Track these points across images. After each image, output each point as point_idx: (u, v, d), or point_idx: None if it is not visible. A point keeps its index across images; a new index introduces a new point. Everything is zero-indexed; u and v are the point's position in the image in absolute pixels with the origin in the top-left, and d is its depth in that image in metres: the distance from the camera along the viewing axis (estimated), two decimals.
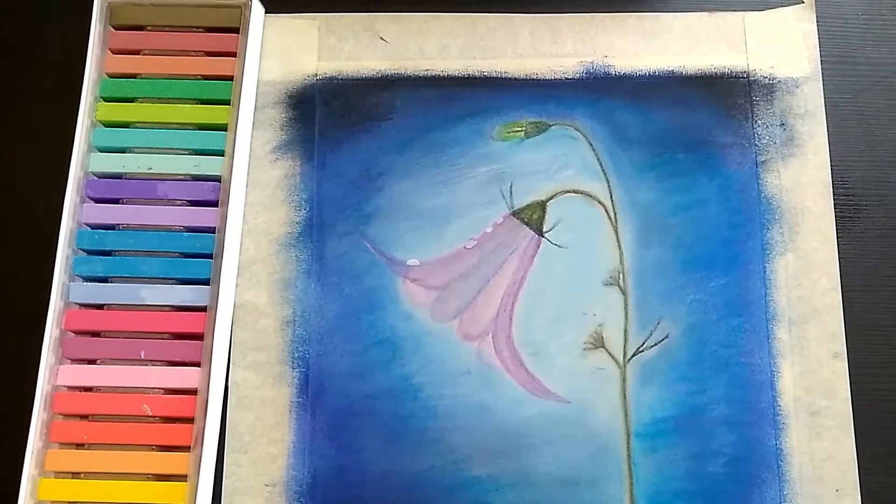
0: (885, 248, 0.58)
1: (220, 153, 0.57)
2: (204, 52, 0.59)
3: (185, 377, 0.54)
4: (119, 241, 0.56)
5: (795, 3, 0.61)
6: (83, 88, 0.56)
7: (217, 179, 0.57)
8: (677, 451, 0.54)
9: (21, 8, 0.62)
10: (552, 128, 0.59)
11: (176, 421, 0.54)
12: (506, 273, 0.57)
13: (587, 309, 0.56)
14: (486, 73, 0.60)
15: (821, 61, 0.60)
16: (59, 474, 0.53)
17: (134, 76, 0.59)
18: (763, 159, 0.59)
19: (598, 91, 0.60)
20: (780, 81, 0.60)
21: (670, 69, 0.60)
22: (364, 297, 0.57)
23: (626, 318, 0.56)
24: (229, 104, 0.58)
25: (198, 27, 0.59)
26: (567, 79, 0.60)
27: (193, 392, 0.54)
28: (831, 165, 0.58)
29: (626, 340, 0.56)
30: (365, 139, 0.59)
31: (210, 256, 0.56)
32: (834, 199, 0.58)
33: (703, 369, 0.56)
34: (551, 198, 0.58)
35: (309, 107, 0.60)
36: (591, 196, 0.58)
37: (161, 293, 0.56)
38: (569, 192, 0.58)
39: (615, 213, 0.58)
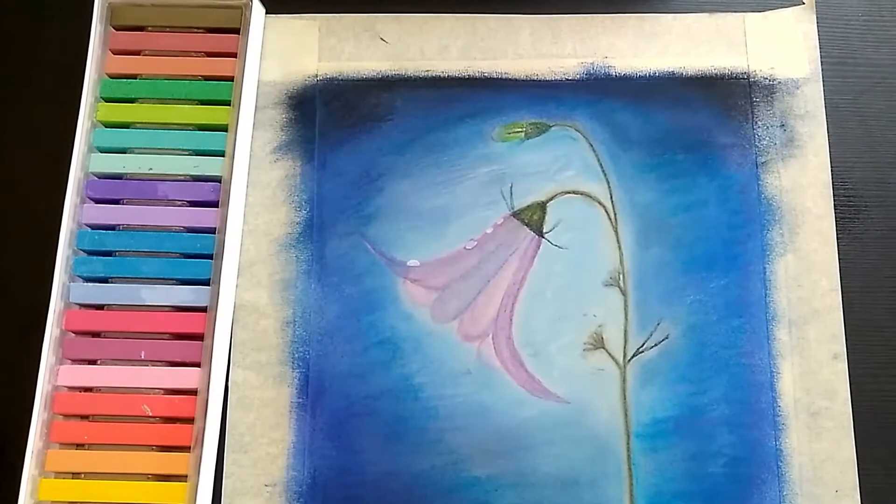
0: (886, 249, 0.58)
1: (221, 154, 0.57)
2: (204, 52, 0.59)
3: (185, 377, 0.54)
4: (119, 241, 0.56)
5: (796, 4, 0.61)
6: (83, 89, 0.56)
7: (217, 180, 0.57)
8: (677, 452, 0.54)
9: (21, 8, 0.62)
10: (552, 129, 0.59)
11: (176, 421, 0.54)
12: (506, 274, 0.57)
13: (587, 310, 0.57)
14: (486, 74, 0.60)
15: (821, 62, 0.60)
16: (60, 474, 0.53)
17: (134, 77, 0.59)
18: (763, 160, 0.59)
19: (598, 92, 0.60)
20: (780, 82, 0.60)
21: (670, 70, 0.60)
22: (364, 297, 0.57)
23: (626, 318, 0.56)
24: (230, 105, 0.58)
25: (198, 28, 0.59)
26: (567, 80, 0.60)
27: (193, 392, 0.54)
28: (831, 166, 0.59)
29: (626, 341, 0.56)
30: (365, 140, 0.59)
31: (210, 257, 0.56)
32: (834, 200, 0.58)
33: (703, 370, 0.56)
34: (551, 198, 0.58)
35: (309, 107, 0.60)
36: (591, 197, 0.58)
37: (161, 293, 0.56)
38: (569, 192, 0.58)
39: (615, 214, 0.58)
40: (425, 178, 0.59)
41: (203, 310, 0.55)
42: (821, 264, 0.57)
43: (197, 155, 0.58)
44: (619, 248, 0.57)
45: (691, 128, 0.59)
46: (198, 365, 0.55)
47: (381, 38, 0.61)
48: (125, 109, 0.58)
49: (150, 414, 0.54)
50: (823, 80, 0.60)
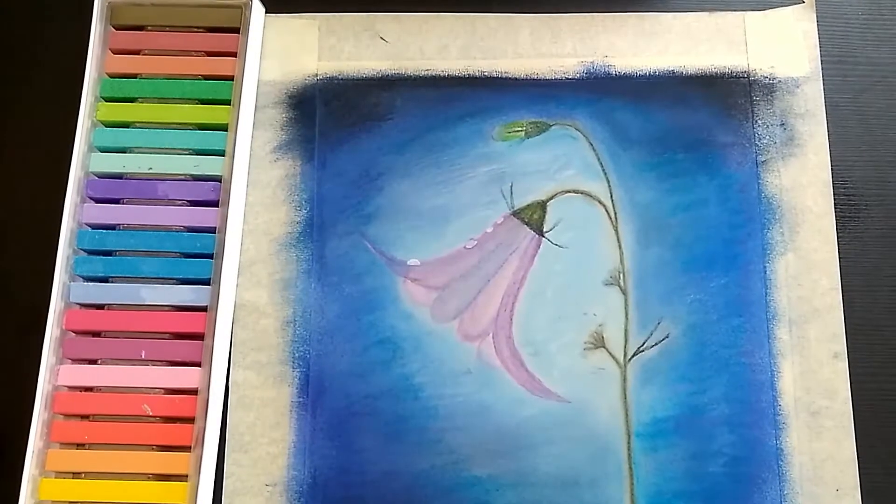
0: (886, 248, 0.58)
1: (221, 153, 0.57)
2: (204, 52, 0.59)
3: (185, 377, 0.54)
4: (119, 241, 0.56)
5: (796, 3, 0.61)
6: (83, 88, 0.56)
7: (217, 179, 0.57)
8: (678, 451, 0.54)
9: (21, 8, 0.62)
10: (552, 128, 0.59)
11: (176, 421, 0.54)
12: (506, 273, 0.57)
13: (587, 309, 0.56)
14: (486, 73, 0.60)
15: (821, 61, 0.60)
16: (60, 474, 0.53)
17: (134, 76, 0.59)
18: (763, 159, 0.59)
19: (598, 91, 0.60)
20: (780, 81, 0.60)
21: (670, 69, 0.60)
22: (364, 297, 0.57)
23: (627, 317, 0.56)
24: (230, 104, 0.58)
25: (198, 27, 0.59)
26: (567, 79, 0.60)
27: (194, 392, 0.54)
28: (832, 165, 0.58)
29: (626, 340, 0.56)
30: (365, 139, 0.59)
31: (210, 256, 0.56)
32: (834, 199, 0.58)
33: (703, 369, 0.56)
34: (551, 198, 0.58)
35: (309, 107, 0.60)
36: (591, 196, 0.58)
37: (161, 293, 0.56)
38: (569, 192, 0.58)
39: (615, 213, 0.58)
40: (425, 177, 0.59)
41: (203, 309, 0.55)
42: (821, 263, 0.57)
43: (197, 154, 0.58)
44: (620, 247, 0.57)
45: (691, 127, 0.59)
46: (198, 365, 0.55)
47: (381, 38, 0.61)
48: (125, 109, 0.58)
49: (151, 414, 0.54)
50: (823, 79, 0.60)
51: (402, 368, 0.56)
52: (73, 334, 0.55)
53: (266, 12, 0.61)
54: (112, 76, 0.59)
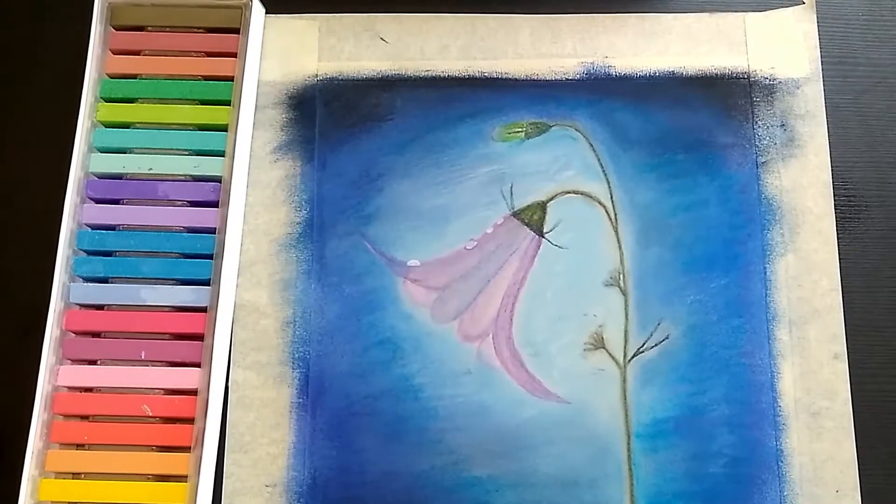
0: (886, 249, 0.58)
1: (221, 154, 0.57)
2: (204, 52, 0.59)
3: (185, 378, 0.54)
4: (119, 241, 0.56)
5: (796, 4, 0.61)
6: (83, 89, 0.56)
7: (217, 180, 0.57)
8: (678, 452, 0.54)
9: (21, 8, 0.62)
10: (552, 128, 0.59)
11: (176, 421, 0.54)
12: (506, 274, 0.57)
13: (587, 310, 0.56)
14: (486, 74, 0.60)
15: (821, 62, 0.60)
16: (60, 475, 0.53)
17: (134, 77, 0.59)
18: (763, 160, 0.59)
19: (598, 92, 0.60)
20: (780, 82, 0.60)
21: (671, 70, 0.60)
22: (364, 297, 0.57)
23: (627, 318, 0.56)
24: (230, 105, 0.58)
25: (198, 28, 0.59)
26: (567, 79, 0.60)
27: (194, 392, 0.54)
28: (832, 166, 0.58)
29: (626, 341, 0.56)
30: (365, 140, 0.59)
31: (210, 257, 0.56)
32: (834, 200, 0.58)
33: (703, 370, 0.56)
34: (552, 198, 0.58)
35: (309, 107, 0.60)
36: (591, 197, 0.58)
37: (161, 294, 0.55)
38: (569, 192, 0.58)
39: (615, 214, 0.58)
40: (425, 177, 0.59)
41: (203, 310, 0.55)
42: (821, 264, 0.57)
43: (197, 155, 0.58)
44: (620, 247, 0.57)
45: (691, 127, 0.59)
46: (198, 365, 0.55)
47: (381, 38, 0.61)
48: (125, 109, 0.58)
49: (151, 414, 0.54)
50: (824, 80, 0.60)
51: (402, 369, 0.56)
52: (73, 335, 0.55)
53: (266, 13, 0.61)
54: (112, 76, 0.59)
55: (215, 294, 0.55)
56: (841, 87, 0.60)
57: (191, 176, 0.57)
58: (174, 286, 0.56)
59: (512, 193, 0.58)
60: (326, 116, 0.60)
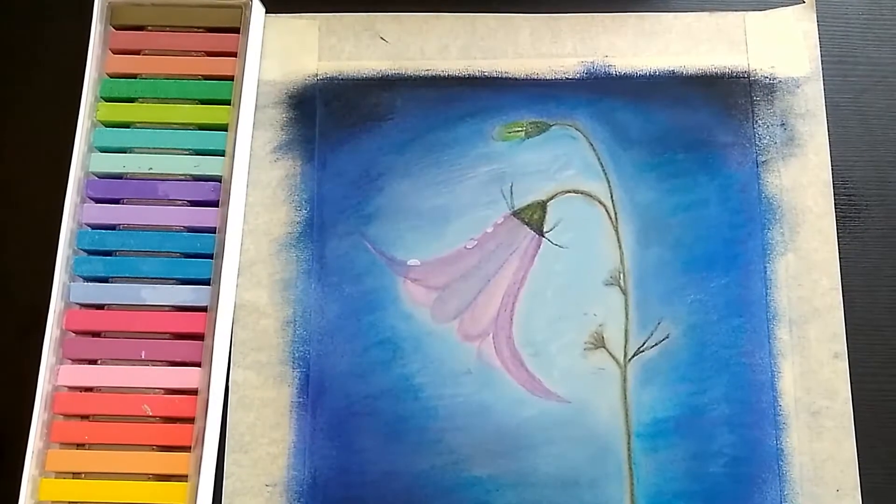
0: (886, 248, 0.58)
1: (221, 153, 0.57)
2: (204, 52, 0.59)
3: (185, 377, 0.54)
4: (119, 241, 0.56)
5: (796, 3, 0.61)
6: (83, 88, 0.56)
7: (217, 179, 0.57)
8: (678, 452, 0.54)
9: (21, 8, 0.62)
10: (553, 128, 0.59)
11: (176, 421, 0.54)
12: (506, 273, 0.57)
13: (588, 309, 0.56)
14: (486, 73, 0.60)
15: (821, 61, 0.60)
16: (60, 474, 0.53)
17: (134, 76, 0.59)
18: (764, 159, 0.59)
19: (598, 91, 0.60)
20: (780, 81, 0.60)
21: (671, 69, 0.60)
22: (364, 297, 0.57)
23: (627, 318, 0.56)
24: (230, 104, 0.58)
25: (198, 27, 0.59)
26: (567, 79, 0.60)
27: (194, 392, 0.54)
28: (832, 165, 0.58)
29: (626, 340, 0.56)
30: (365, 139, 0.59)
31: (210, 256, 0.56)
32: (835, 199, 0.58)
33: (703, 369, 0.56)
34: (552, 198, 0.58)
35: (309, 107, 0.60)
36: (591, 196, 0.58)
37: (161, 293, 0.55)
38: (569, 192, 0.58)
39: (616, 213, 0.58)
40: (425, 177, 0.59)
41: (203, 310, 0.55)
42: (821, 263, 0.57)
43: (197, 154, 0.58)
44: (620, 247, 0.57)
45: (692, 127, 0.59)
46: (198, 365, 0.55)
47: (381, 38, 0.61)
48: (125, 109, 0.58)
49: (151, 414, 0.54)
50: (824, 79, 0.60)
51: (402, 369, 0.56)
52: (73, 334, 0.55)
53: (266, 12, 0.61)
54: (112, 76, 0.59)
55: (215, 294, 0.55)
56: (841, 87, 0.60)
57: (191, 175, 0.57)
58: (174, 286, 0.56)
59: (512, 193, 0.58)
60: (326, 116, 0.60)
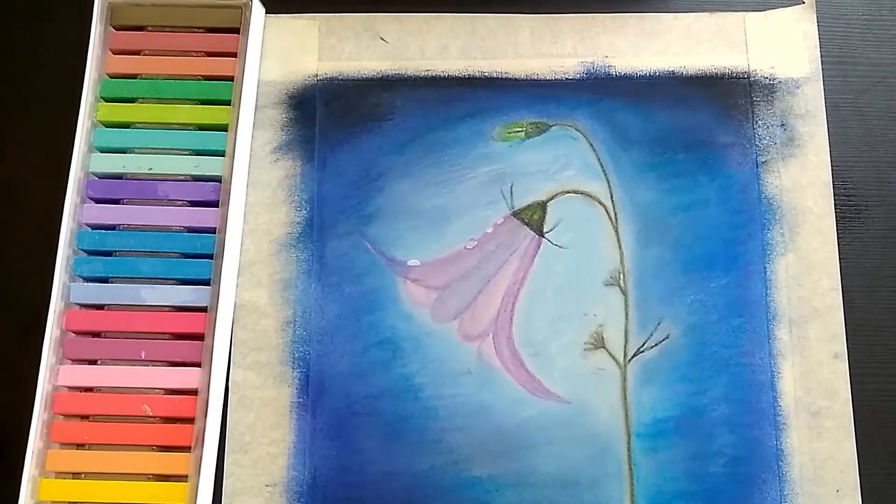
0: (886, 249, 0.58)
1: (221, 153, 0.57)
2: (204, 52, 0.59)
3: (185, 377, 0.54)
4: (119, 241, 0.56)
5: (796, 4, 0.61)
6: (83, 89, 0.56)
7: (217, 180, 0.57)
8: (678, 452, 0.54)
9: (21, 8, 0.62)
10: (553, 128, 0.59)
11: (176, 421, 0.54)
12: (506, 273, 0.57)
13: (588, 309, 0.56)
14: (486, 74, 0.60)
15: (821, 62, 0.60)
16: (60, 474, 0.53)
17: (134, 76, 0.59)
18: (763, 160, 0.59)
19: (598, 91, 0.60)
20: (780, 82, 0.60)
21: (671, 69, 0.60)
22: (364, 297, 0.57)
23: (627, 318, 0.56)
24: (230, 104, 0.58)
25: (198, 27, 0.59)
26: (567, 79, 0.60)
27: (194, 392, 0.54)
28: (832, 166, 0.58)
29: (626, 341, 0.56)
30: (365, 139, 0.59)
31: (210, 257, 0.56)
32: (834, 200, 0.58)
33: (703, 370, 0.56)
34: (552, 198, 0.58)
35: (309, 107, 0.60)
36: (591, 196, 0.58)
37: (161, 293, 0.55)
38: (569, 192, 0.58)
39: (616, 214, 0.58)
40: (425, 177, 0.59)
41: (203, 310, 0.55)
42: (821, 264, 0.57)
43: (197, 155, 0.58)
44: (620, 247, 0.57)
45: (692, 127, 0.59)
46: (198, 365, 0.54)
47: (381, 38, 0.61)
48: (125, 109, 0.58)
49: (151, 414, 0.54)
50: (824, 80, 0.60)
51: (402, 369, 0.56)
52: (73, 335, 0.55)
53: (266, 12, 0.61)
54: (112, 76, 0.59)
55: (215, 294, 0.55)
56: (841, 87, 0.60)
57: (191, 176, 0.57)
58: (174, 286, 0.56)
59: (512, 193, 0.58)
60: (326, 116, 0.60)
